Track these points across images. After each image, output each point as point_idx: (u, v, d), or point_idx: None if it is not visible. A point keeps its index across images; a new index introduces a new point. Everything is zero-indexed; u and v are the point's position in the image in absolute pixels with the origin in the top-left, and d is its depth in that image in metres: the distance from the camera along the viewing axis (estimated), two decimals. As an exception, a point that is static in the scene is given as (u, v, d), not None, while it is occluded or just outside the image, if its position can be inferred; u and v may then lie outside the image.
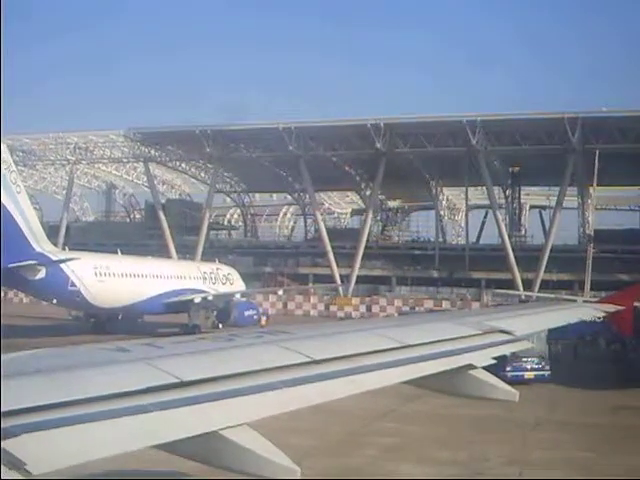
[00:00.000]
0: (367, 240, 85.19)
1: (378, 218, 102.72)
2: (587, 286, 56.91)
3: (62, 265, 46.55)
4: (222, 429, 4.18)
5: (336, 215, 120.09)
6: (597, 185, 68.47)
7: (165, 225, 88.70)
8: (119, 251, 58.29)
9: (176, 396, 4.22)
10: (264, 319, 59.15)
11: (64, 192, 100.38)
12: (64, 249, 56.90)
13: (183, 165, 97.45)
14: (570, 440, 22.61)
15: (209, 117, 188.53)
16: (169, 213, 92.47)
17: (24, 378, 3.92)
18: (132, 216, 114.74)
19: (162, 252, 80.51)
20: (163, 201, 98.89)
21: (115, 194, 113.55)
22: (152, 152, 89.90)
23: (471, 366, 6.72)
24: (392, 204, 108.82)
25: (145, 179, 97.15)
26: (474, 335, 7.61)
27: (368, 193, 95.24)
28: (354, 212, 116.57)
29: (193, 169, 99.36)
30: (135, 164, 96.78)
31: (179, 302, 54.79)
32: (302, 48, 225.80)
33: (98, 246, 70.58)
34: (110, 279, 50.42)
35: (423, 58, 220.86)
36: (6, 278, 43.86)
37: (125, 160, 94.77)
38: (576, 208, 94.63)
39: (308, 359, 5.40)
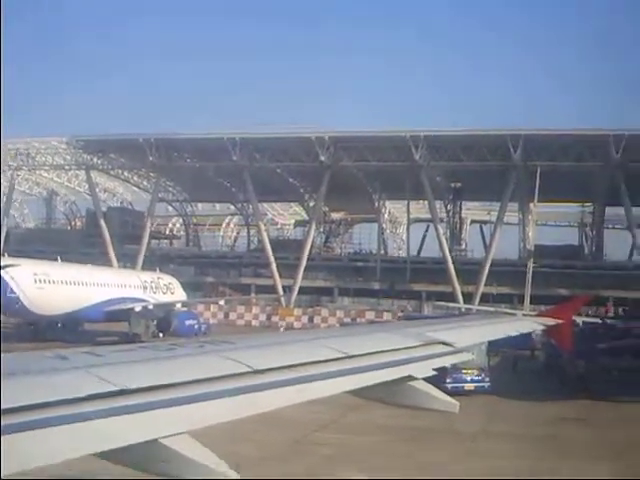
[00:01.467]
0: (310, 251, 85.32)
1: (321, 230, 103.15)
2: (527, 300, 57.48)
3: (1, 271, 45.83)
4: (163, 437, 4.16)
5: (279, 226, 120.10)
6: (538, 201, 69.45)
7: (106, 233, 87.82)
8: (59, 258, 57.56)
9: (116, 404, 4.18)
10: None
11: (4, 198, 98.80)
12: (3, 255, 55.94)
13: (125, 173, 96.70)
14: (509, 450, 22.87)
15: (154, 125, 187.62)
16: (110, 221, 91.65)
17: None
18: (73, 224, 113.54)
19: (103, 260, 79.74)
20: (104, 209, 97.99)
21: (56, 201, 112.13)
22: (94, 160, 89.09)
23: (412, 377, 6.75)
24: (335, 216, 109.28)
25: (87, 187, 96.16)
26: (415, 346, 7.65)
27: (312, 205, 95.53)
28: (297, 223, 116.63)
29: (135, 177, 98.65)
30: (77, 171, 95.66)
31: (119, 310, 54.34)
32: (251, 51, 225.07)
33: (38, 253, 69.54)
34: (50, 286, 49.81)
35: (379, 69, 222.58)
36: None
37: (67, 167, 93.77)
38: (517, 223, 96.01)
39: (250, 369, 5.39)
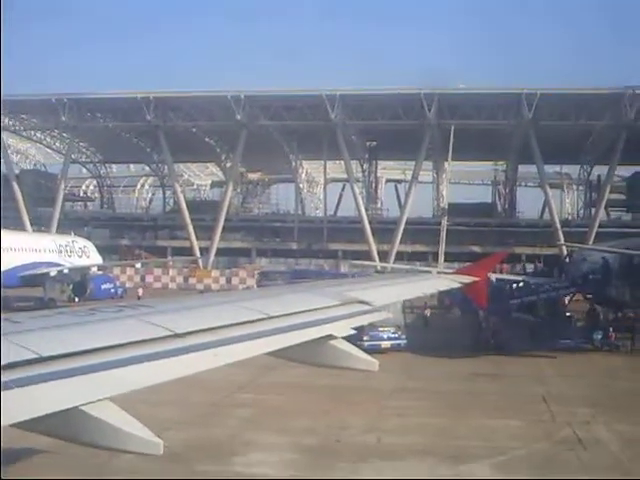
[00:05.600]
0: (227, 212, 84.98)
1: (238, 190, 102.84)
2: (441, 258, 58.15)
3: None
4: (83, 404, 4.12)
5: (196, 187, 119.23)
6: (452, 160, 70.24)
7: (19, 196, 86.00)
8: (-30, 223, 56.18)
9: (35, 372, 4.13)
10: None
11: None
12: None
13: (38, 134, 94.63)
14: (425, 407, 23.36)
15: (63, 84, 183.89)
16: (23, 184, 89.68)
17: None
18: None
19: (16, 224, 78.11)
20: (17, 171, 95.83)
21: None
22: (5, 121, 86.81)
23: (332, 336, 6.81)
24: (252, 176, 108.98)
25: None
26: (334, 306, 7.72)
27: (228, 165, 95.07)
28: (214, 184, 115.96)
29: (48, 138, 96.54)
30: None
31: (34, 275, 53.38)
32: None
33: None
34: (-39, 251, 48.59)
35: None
36: None
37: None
38: (431, 182, 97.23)
39: (170, 332, 5.37)
